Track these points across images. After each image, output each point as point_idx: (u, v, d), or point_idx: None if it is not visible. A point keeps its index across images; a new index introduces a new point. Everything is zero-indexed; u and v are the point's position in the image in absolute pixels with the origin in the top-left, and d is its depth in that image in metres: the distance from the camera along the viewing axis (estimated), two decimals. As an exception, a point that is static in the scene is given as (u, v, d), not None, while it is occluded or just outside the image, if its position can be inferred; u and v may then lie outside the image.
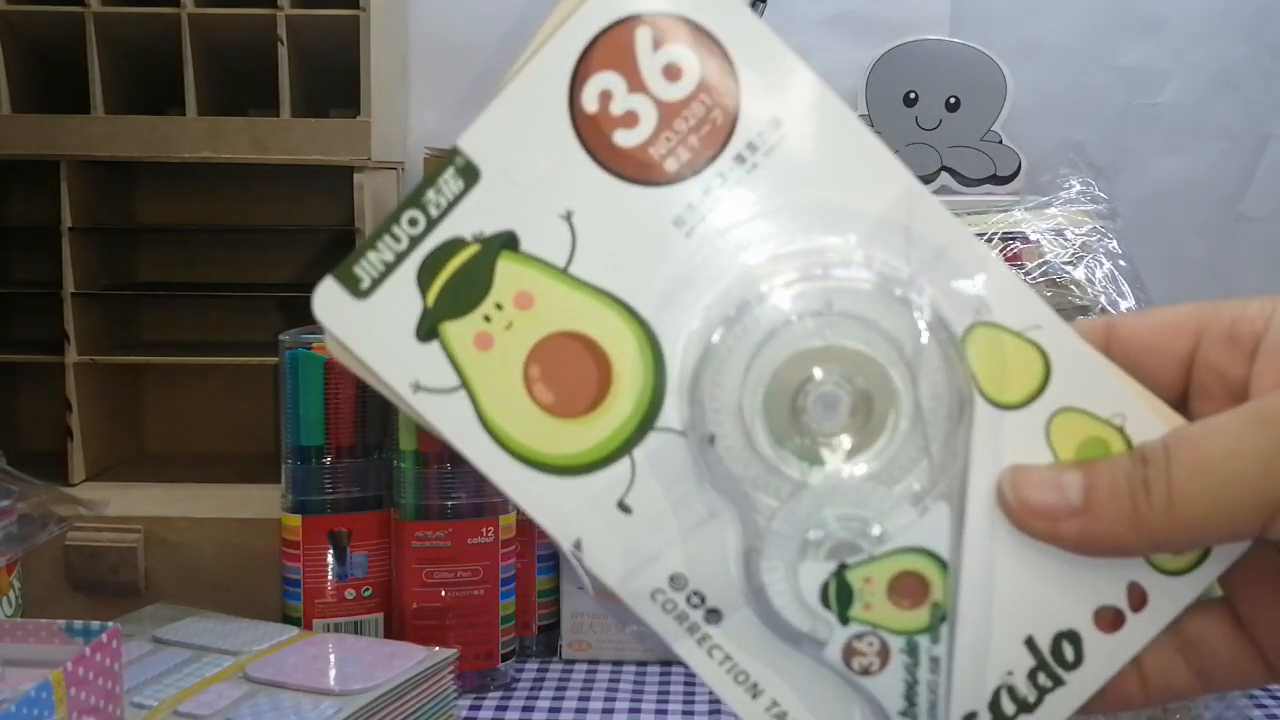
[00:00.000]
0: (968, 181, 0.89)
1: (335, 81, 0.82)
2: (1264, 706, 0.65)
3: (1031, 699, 0.28)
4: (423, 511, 0.65)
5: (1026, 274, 0.72)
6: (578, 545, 0.27)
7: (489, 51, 0.95)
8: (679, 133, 0.27)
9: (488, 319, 0.27)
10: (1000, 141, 0.90)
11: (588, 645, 0.71)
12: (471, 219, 0.27)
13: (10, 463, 0.60)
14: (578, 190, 0.27)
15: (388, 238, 0.27)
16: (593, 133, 0.26)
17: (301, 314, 0.80)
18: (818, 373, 0.27)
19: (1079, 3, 0.96)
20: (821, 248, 0.27)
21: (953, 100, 0.90)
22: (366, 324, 0.27)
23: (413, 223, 0.26)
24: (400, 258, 0.26)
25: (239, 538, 0.72)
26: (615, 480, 0.27)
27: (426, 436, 0.65)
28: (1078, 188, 0.79)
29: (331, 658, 0.57)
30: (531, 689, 0.67)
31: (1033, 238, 0.73)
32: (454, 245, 0.27)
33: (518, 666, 0.69)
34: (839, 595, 0.27)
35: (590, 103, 0.26)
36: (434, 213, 0.27)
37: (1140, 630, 0.28)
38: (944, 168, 0.89)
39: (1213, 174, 0.98)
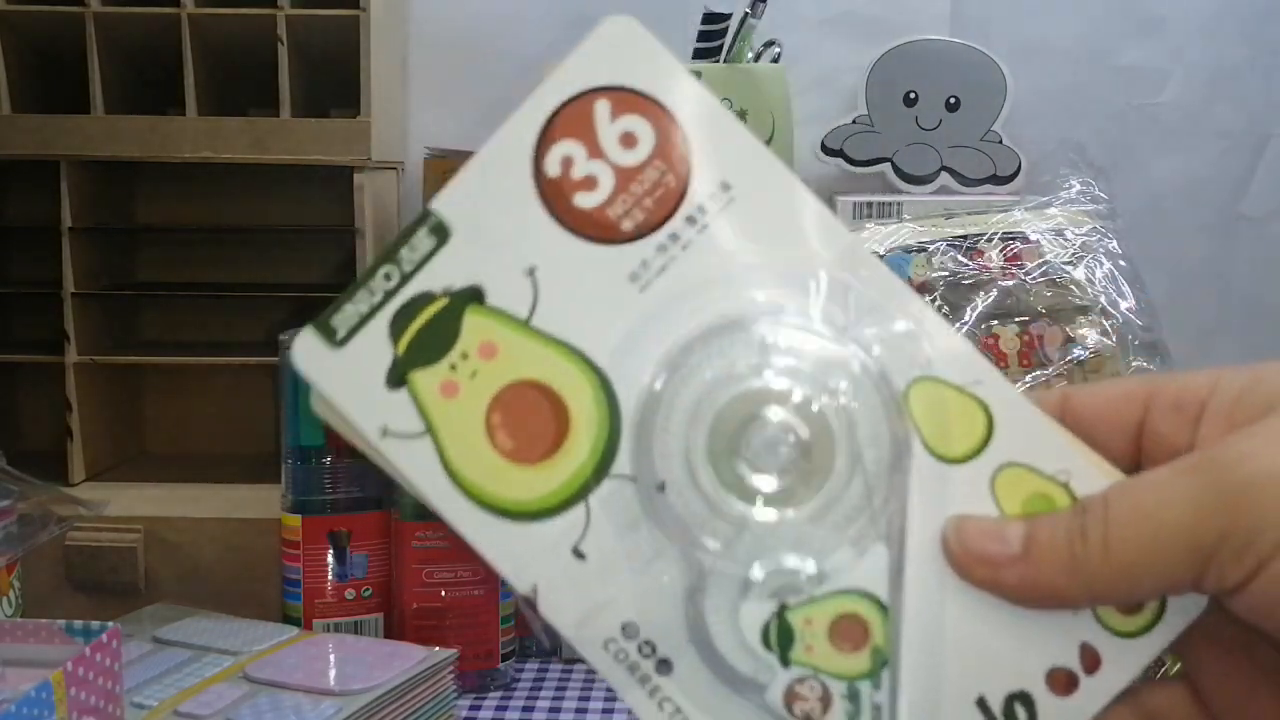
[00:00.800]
0: (968, 181, 0.89)
1: (335, 81, 0.82)
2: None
3: None
4: (423, 511, 0.65)
5: (1026, 274, 0.72)
6: (534, 591, 0.28)
7: (489, 51, 0.95)
8: (635, 195, 0.29)
9: (454, 367, 0.28)
10: (1000, 141, 0.90)
11: (588, 645, 0.71)
12: (442, 274, 0.28)
13: (10, 463, 0.60)
14: (540, 248, 0.29)
15: (363, 291, 0.28)
16: (555, 195, 0.29)
17: (301, 314, 0.80)
18: (760, 415, 0.28)
19: (1079, 3, 0.96)
20: (764, 302, 0.29)
21: (953, 100, 0.90)
22: (341, 371, 0.28)
23: (387, 277, 0.28)
24: (374, 310, 0.28)
25: (239, 538, 0.72)
26: (570, 526, 0.28)
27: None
28: (1078, 188, 0.79)
29: (331, 658, 0.57)
30: (531, 689, 0.67)
31: (1033, 238, 0.73)
32: (424, 299, 0.28)
33: (518, 666, 0.69)
34: (780, 636, 0.28)
35: (553, 168, 0.29)
36: (407, 268, 0.28)
37: (1094, 694, 0.28)
38: (944, 168, 0.90)
39: (1213, 174, 0.98)
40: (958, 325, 0.70)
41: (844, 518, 0.28)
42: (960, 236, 0.74)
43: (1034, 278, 0.72)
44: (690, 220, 0.29)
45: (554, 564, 0.28)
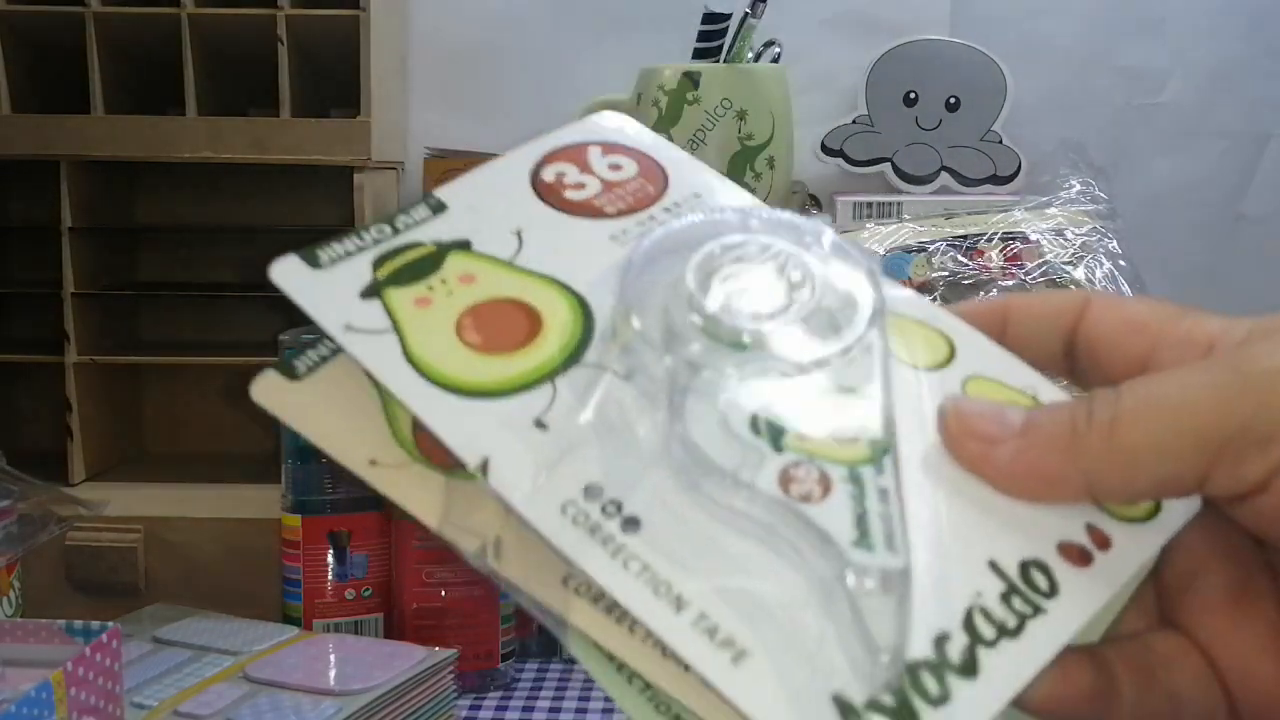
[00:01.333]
0: (968, 181, 0.89)
1: (335, 81, 0.82)
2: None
3: (1011, 624, 0.25)
4: (423, 511, 0.65)
5: (1026, 274, 0.72)
6: (484, 465, 0.26)
7: (489, 51, 0.95)
8: (619, 195, 0.32)
9: (430, 288, 0.29)
10: (1000, 141, 0.90)
11: (588, 645, 0.71)
12: (432, 232, 0.30)
13: (10, 463, 0.60)
14: (530, 218, 0.31)
15: (354, 236, 0.30)
16: (548, 192, 0.32)
17: (301, 314, 0.80)
18: (737, 264, 0.29)
19: (1079, 3, 0.96)
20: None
21: (953, 100, 0.90)
22: (315, 286, 0.29)
23: (379, 230, 0.30)
24: (360, 249, 0.30)
25: (239, 538, 0.72)
26: (534, 401, 0.27)
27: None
28: (1078, 188, 0.79)
29: (331, 658, 0.57)
30: (531, 689, 0.67)
31: (1033, 238, 0.73)
32: (411, 246, 0.30)
33: (518, 666, 0.69)
34: (770, 425, 0.26)
35: (548, 177, 0.32)
36: (400, 228, 0.30)
37: (1112, 569, 0.27)
38: (944, 168, 0.90)
39: (1213, 174, 0.98)
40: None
41: (829, 337, 0.28)
42: (960, 236, 0.74)
43: (1034, 278, 0.72)
44: (668, 210, 0.32)
45: (511, 435, 0.26)
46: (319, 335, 0.29)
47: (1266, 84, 0.96)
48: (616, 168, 0.33)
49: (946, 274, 0.72)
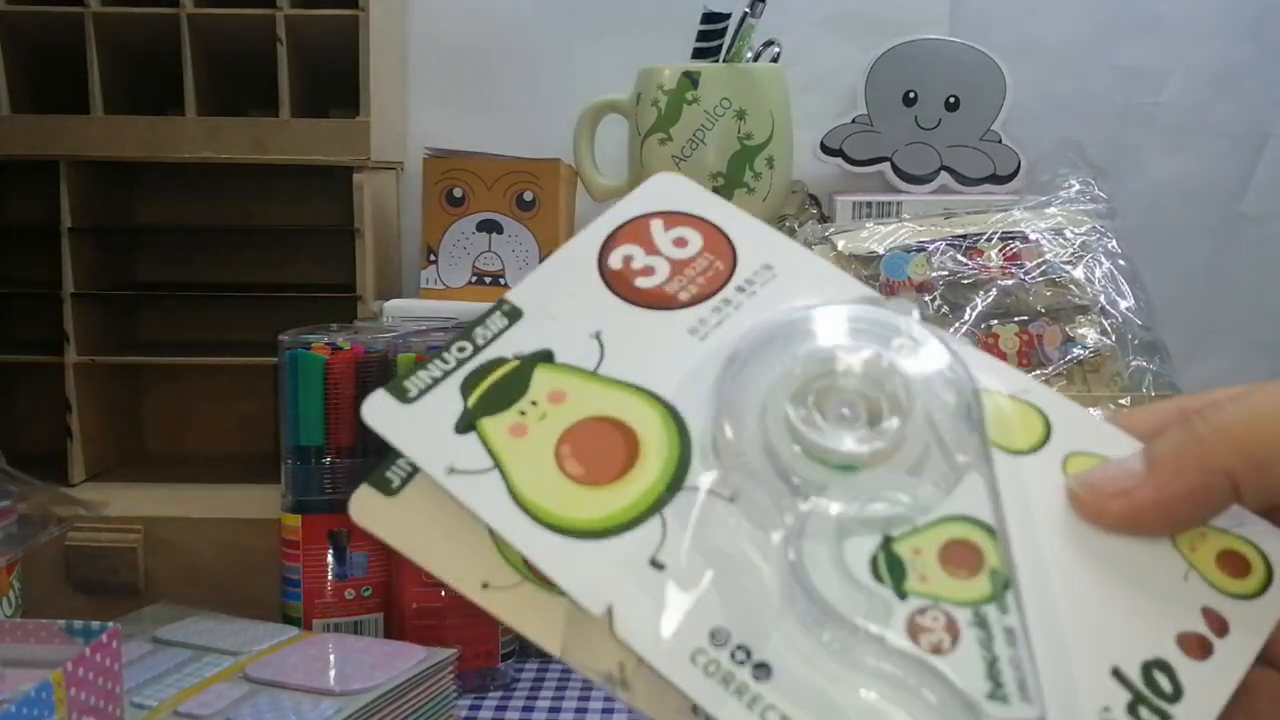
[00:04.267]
0: (967, 181, 0.89)
1: (335, 81, 0.82)
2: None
3: None
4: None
5: (1026, 274, 0.72)
6: (609, 612, 0.26)
7: (489, 51, 0.95)
8: (689, 276, 0.32)
9: (523, 413, 0.29)
10: (1000, 141, 0.90)
11: (588, 645, 0.71)
12: (513, 344, 0.30)
13: (10, 463, 0.60)
14: (605, 316, 0.31)
15: (438, 360, 0.30)
16: (618, 281, 0.32)
17: (301, 314, 0.80)
18: (831, 381, 0.28)
19: (1079, 2, 0.96)
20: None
21: (952, 100, 0.90)
22: (409, 423, 0.29)
23: (461, 349, 0.30)
24: (447, 374, 0.30)
25: (239, 538, 0.72)
26: (646, 539, 0.27)
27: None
28: (1077, 187, 0.79)
29: (331, 658, 0.57)
30: (531, 689, 0.67)
31: (1032, 237, 0.73)
32: (496, 362, 0.30)
33: (518, 666, 0.69)
34: (890, 566, 0.26)
35: (616, 263, 0.32)
36: (480, 343, 0.30)
37: (1234, 653, 0.27)
38: (943, 167, 0.90)
39: (1213, 174, 0.98)
40: (957, 324, 0.70)
41: (929, 467, 0.28)
42: (960, 236, 0.74)
43: (1033, 277, 0.72)
44: (740, 289, 0.31)
45: (630, 578, 0.26)
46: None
47: (1266, 84, 0.96)
48: (682, 243, 0.32)
49: (946, 273, 0.72)
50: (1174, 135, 0.97)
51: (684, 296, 0.31)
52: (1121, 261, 0.73)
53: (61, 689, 0.40)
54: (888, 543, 0.27)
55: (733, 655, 0.25)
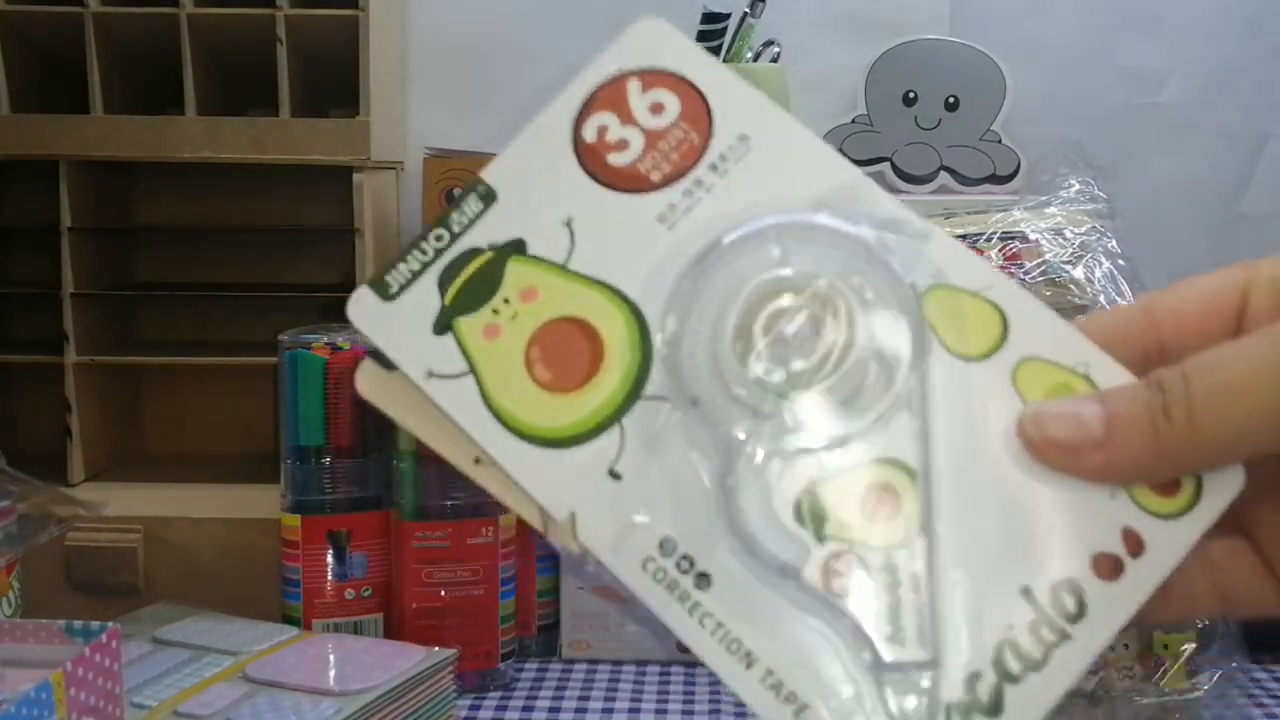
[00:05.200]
0: (967, 181, 0.89)
1: (335, 81, 0.82)
2: (1264, 706, 0.65)
3: (1038, 655, 0.27)
4: (422, 511, 0.65)
5: (1026, 274, 0.72)
6: (571, 519, 0.28)
7: (489, 51, 0.95)
8: (662, 152, 0.31)
9: (496, 312, 0.30)
10: (999, 141, 0.90)
11: (587, 645, 0.71)
12: (488, 232, 0.31)
13: (10, 463, 0.60)
14: (577, 201, 0.31)
15: (416, 251, 0.31)
16: (591, 157, 0.31)
17: (301, 314, 0.80)
18: (778, 305, 0.29)
19: (1078, 2, 0.96)
20: (776, 215, 0.31)
21: (952, 100, 0.90)
22: (391, 323, 0.30)
23: (439, 238, 0.31)
24: (425, 266, 0.30)
25: (239, 538, 0.72)
26: (605, 449, 0.29)
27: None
28: (1077, 187, 0.79)
29: (331, 658, 0.57)
30: (531, 689, 0.67)
31: (1032, 237, 0.73)
32: (471, 253, 0.31)
33: (517, 666, 0.69)
34: (813, 512, 0.28)
35: (590, 135, 0.32)
36: (457, 229, 0.31)
37: (1141, 579, 0.28)
38: (943, 167, 0.90)
39: (1212, 174, 0.98)
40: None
41: (868, 396, 0.29)
42: (959, 236, 0.74)
43: (1033, 277, 0.72)
44: (713, 167, 0.31)
45: (590, 487, 0.29)
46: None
47: (1266, 84, 0.96)
48: (658, 109, 0.32)
49: (946, 274, 0.72)
50: (1174, 135, 0.97)
51: (655, 177, 0.31)
52: (1121, 261, 0.73)
53: (61, 689, 0.40)
54: (813, 486, 0.28)
55: (678, 564, 0.28)
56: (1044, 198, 0.78)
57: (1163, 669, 0.58)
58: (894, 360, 0.29)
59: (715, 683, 0.68)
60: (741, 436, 0.29)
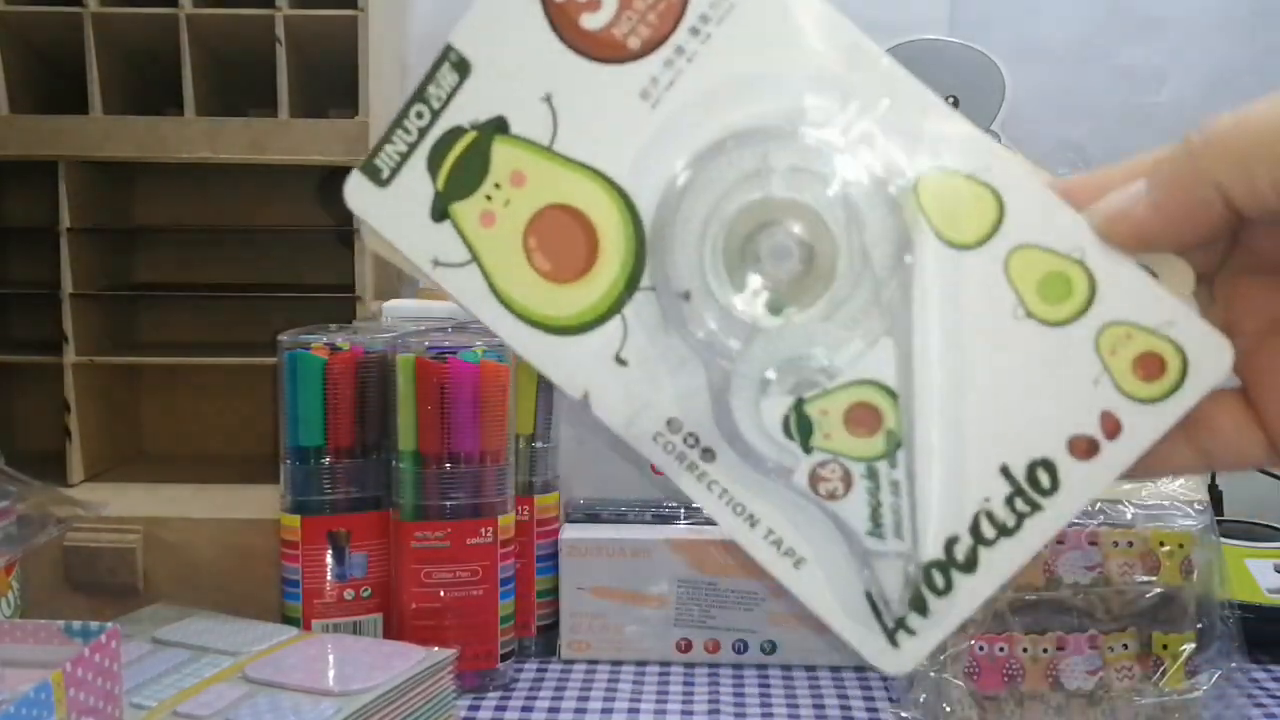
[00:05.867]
0: (967, 181, 0.89)
1: (334, 82, 0.82)
2: (1263, 706, 0.65)
3: (1010, 523, 0.30)
4: (422, 511, 0.65)
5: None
6: (585, 397, 0.30)
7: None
8: (638, 11, 0.30)
9: (489, 198, 0.30)
10: (999, 141, 0.90)
11: (587, 645, 0.71)
12: (468, 108, 0.30)
13: (9, 463, 0.59)
14: (555, 74, 0.30)
15: (400, 131, 0.31)
16: (562, 19, 0.30)
17: (300, 314, 0.80)
18: (766, 222, 0.30)
19: (1078, 3, 0.96)
20: (764, 113, 0.30)
21: (952, 100, 0.90)
22: (390, 209, 0.31)
23: (419, 115, 0.30)
24: (412, 148, 0.30)
25: (238, 538, 0.72)
26: (610, 337, 0.30)
27: (426, 436, 0.65)
28: (1077, 187, 0.79)
29: (331, 658, 0.57)
30: (531, 689, 0.67)
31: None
32: (455, 133, 0.30)
33: (517, 666, 0.69)
34: (799, 427, 0.30)
35: None
36: (435, 105, 0.30)
37: (1116, 458, 0.30)
38: (943, 168, 0.89)
39: (1212, 174, 0.97)
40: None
41: (852, 315, 0.30)
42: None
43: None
44: (694, 31, 0.30)
45: (600, 371, 0.30)
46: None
47: (1265, 84, 0.96)
48: None
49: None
50: (1174, 135, 0.96)
51: (633, 44, 0.30)
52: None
53: (61, 689, 0.40)
54: (799, 403, 0.30)
55: (685, 440, 0.31)
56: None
57: (1162, 669, 0.58)
58: (880, 275, 0.30)
59: (714, 683, 0.68)
60: (733, 346, 0.30)
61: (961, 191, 0.30)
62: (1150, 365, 0.29)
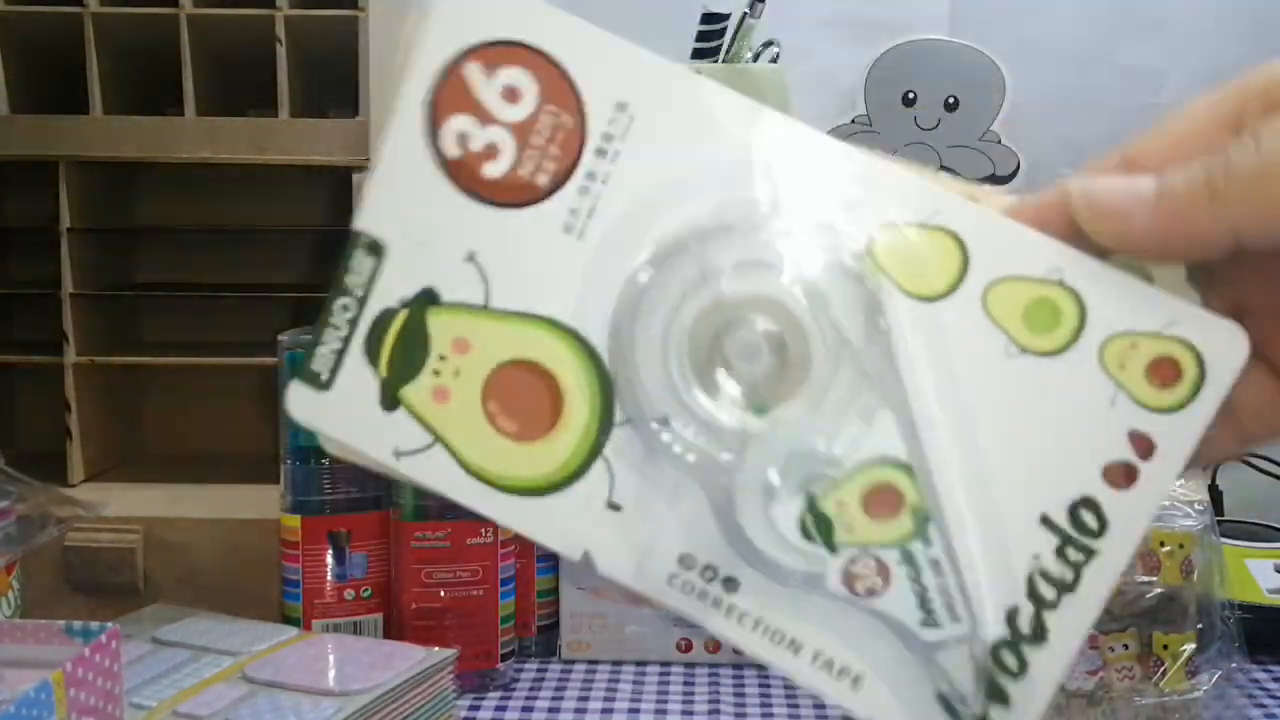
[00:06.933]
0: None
1: (334, 82, 0.82)
2: (1263, 706, 0.65)
3: (1069, 578, 0.28)
4: (422, 511, 0.65)
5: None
6: (587, 557, 0.28)
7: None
8: (538, 148, 0.28)
9: (437, 373, 0.28)
10: (999, 141, 0.90)
11: (587, 645, 0.71)
12: (392, 289, 0.29)
13: (10, 463, 0.59)
14: (472, 231, 0.29)
15: (329, 329, 0.29)
16: (464, 175, 0.28)
17: (300, 314, 0.80)
18: (727, 324, 0.28)
19: (1079, 3, 0.96)
20: (693, 215, 0.28)
21: (951, 100, 0.90)
22: (338, 411, 0.29)
23: (345, 308, 0.29)
24: (346, 343, 0.29)
25: (238, 538, 0.72)
26: (596, 484, 0.28)
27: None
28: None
29: (331, 658, 0.57)
30: (531, 689, 0.67)
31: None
32: (386, 316, 0.29)
33: (517, 666, 0.69)
34: (818, 526, 0.28)
35: (451, 149, 0.28)
36: (359, 293, 0.29)
37: (1158, 477, 0.28)
38: (943, 168, 0.89)
39: (1212, 174, 0.98)
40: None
41: (840, 397, 0.28)
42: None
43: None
44: (600, 152, 0.28)
45: (595, 523, 0.28)
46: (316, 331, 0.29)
47: (1266, 84, 0.96)
48: (513, 96, 0.28)
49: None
50: (1173, 135, 0.97)
51: (542, 181, 0.28)
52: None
53: (61, 689, 0.40)
54: (812, 501, 0.28)
55: (702, 574, 0.28)
56: (1044, 198, 0.78)
57: (1162, 669, 0.58)
58: (858, 348, 0.28)
59: (714, 683, 0.68)
60: (726, 460, 0.28)
61: (917, 243, 0.28)
62: (1165, 371, 0.28)
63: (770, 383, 0.28)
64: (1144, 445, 0.28)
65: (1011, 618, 0.28)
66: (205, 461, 0.87)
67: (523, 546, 0.70)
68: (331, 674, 0.55)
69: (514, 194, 0.28)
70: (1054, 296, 0.28)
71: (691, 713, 0.64)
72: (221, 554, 0.72)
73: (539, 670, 0.70)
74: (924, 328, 0.28)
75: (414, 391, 0.28)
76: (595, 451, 0.28)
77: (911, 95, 0.90)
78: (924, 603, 0.28)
